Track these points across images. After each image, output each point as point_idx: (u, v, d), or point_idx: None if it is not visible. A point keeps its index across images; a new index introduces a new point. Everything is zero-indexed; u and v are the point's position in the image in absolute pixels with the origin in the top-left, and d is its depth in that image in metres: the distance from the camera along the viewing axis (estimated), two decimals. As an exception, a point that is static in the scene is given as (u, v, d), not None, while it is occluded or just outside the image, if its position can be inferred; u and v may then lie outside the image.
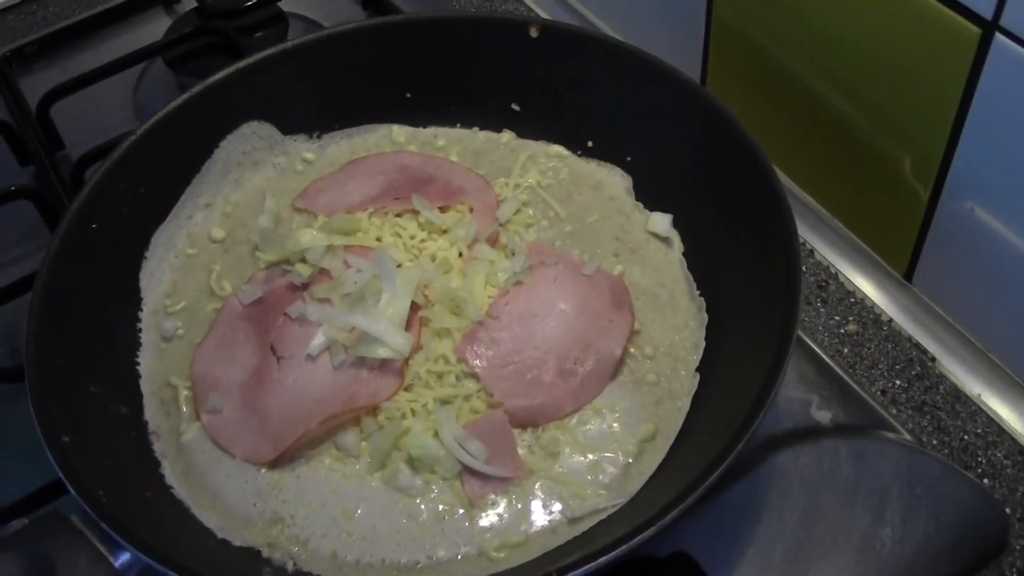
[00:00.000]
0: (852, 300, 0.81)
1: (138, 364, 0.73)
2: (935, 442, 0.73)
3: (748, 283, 0.69)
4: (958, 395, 0.75)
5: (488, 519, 0.64)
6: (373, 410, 0.68)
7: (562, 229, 0.78)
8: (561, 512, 0.64)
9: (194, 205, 0.80)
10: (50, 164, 0.92)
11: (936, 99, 0.69)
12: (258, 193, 0.81)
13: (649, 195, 0.79)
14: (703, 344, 0.71)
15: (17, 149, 0.95)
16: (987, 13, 0.63)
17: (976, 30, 0.64)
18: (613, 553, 0.55)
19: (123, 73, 0.98)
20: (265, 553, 0.64)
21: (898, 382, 0.76)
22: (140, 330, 0.74)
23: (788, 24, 0.78)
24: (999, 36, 0.63)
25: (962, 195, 0.72)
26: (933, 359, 0.78)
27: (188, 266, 0.78)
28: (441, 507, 0.65)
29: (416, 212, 0.77)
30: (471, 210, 0.78)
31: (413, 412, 0.67)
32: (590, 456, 0.67)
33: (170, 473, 0.67)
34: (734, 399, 0.63)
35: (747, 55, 0.84)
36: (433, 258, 0.74)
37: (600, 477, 0.66)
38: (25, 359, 0.65)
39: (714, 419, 0.65)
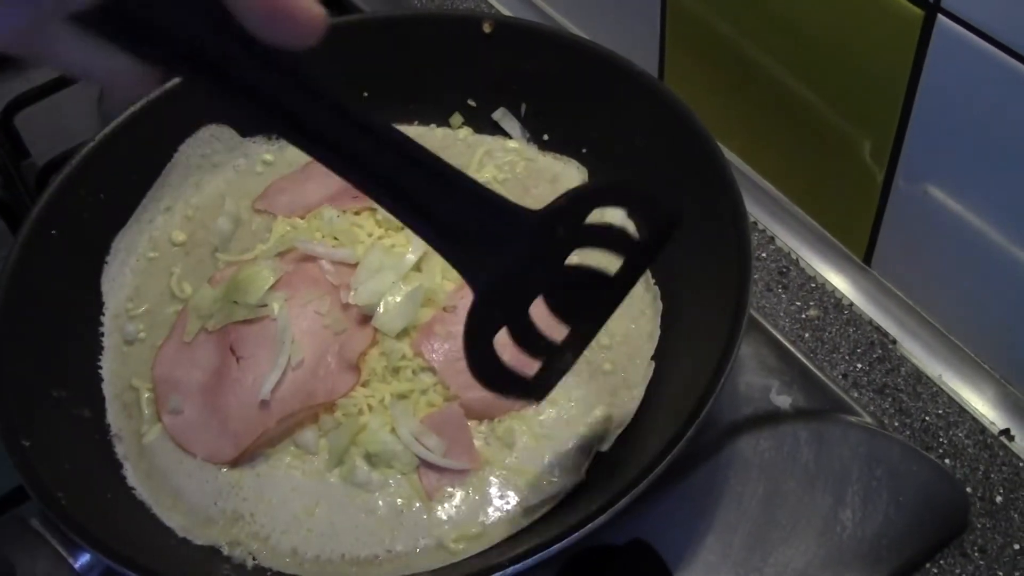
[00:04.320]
0: (813, 285, 0.81)
1: (100, 368, 0.73)
2: (897, 424, 0.73)
3: (702, 271, 0.69)
4: (919, 376, 0.76)
5: (446, 511, 0.65)
6: (330, 407, 0.68)
7: (519, 222, 0.78)
8: (517, 502, 0.65)
9: (155, 209, 0.80)
10: (16, 173, 0.92)
11: (886, 82, 0.70)
12: (218, 196, 0.82)
13: (605, 187, 0.80)
14: (659, 332, 0.71)
15: (-18, 160, 0.96)
16: (928, -5, 0.63)
17: (919, 12, 0.64)
18: (565, 541, 0.55)
19: (87, 81, 0.98)
20: (225, 551, 0.64)
21: (859, 365, 0.77)
22: (102, 334, 0.75)
23: (742, 10, 0.78)
24: (941, 18, 0.63)
25: (916, 177, 0.73)
26: (894, 341, 0.78)
27: (149, 269, 0.78)
28: (399, 501, 0.65)
29: (374, 209, 0.77)
30: (429, 206, 0.78)
31: (370, 408, 0.68)
32: (545, 445, 0.67)
33: (132, 475, 0.68)
34: (689, 386, 0.63)
35: (703, 43, 0.84)
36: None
37: (555, 466, 0.66)
38: (-15, 366, 0.65)
39: (670, 406, 0.65)
